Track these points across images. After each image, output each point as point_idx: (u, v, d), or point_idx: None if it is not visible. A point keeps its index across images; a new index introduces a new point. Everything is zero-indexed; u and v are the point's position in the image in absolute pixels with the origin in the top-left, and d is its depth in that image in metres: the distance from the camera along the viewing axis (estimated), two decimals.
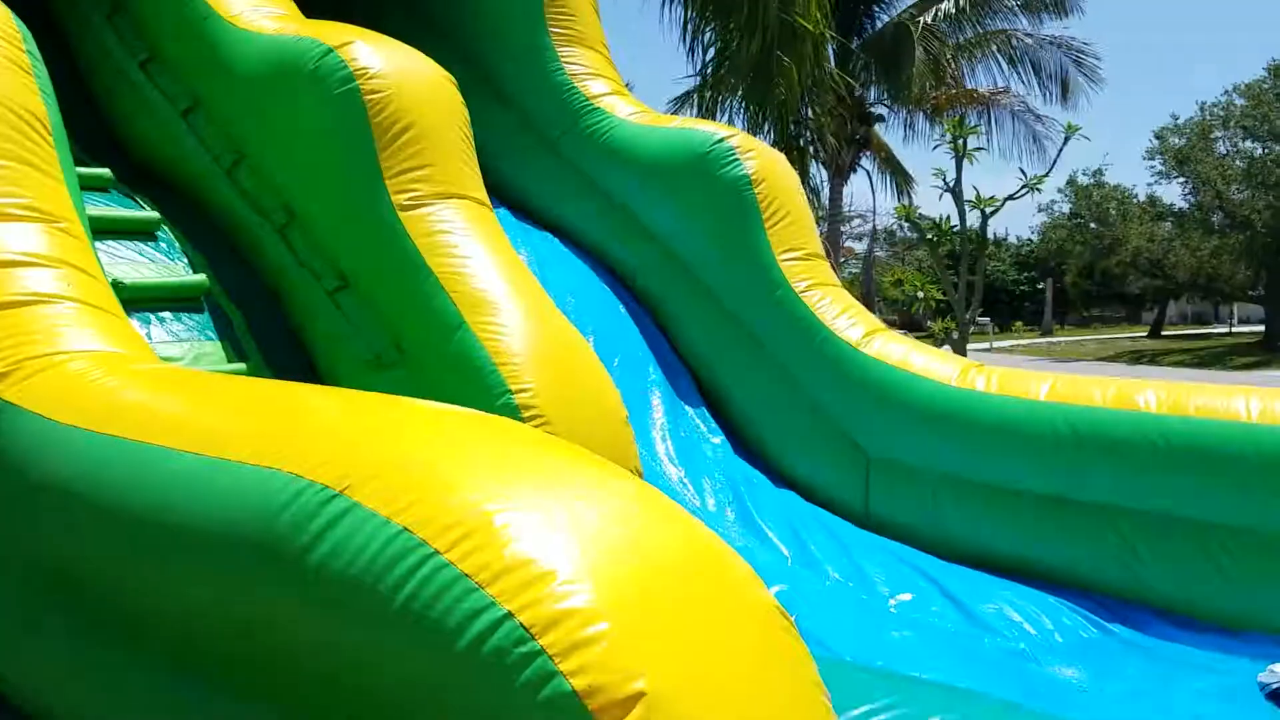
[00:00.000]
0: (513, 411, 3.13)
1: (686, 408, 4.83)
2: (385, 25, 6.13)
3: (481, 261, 3.46)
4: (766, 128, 9.30)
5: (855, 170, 22.83)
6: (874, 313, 21.61)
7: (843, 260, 29.59)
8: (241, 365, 3.49)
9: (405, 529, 1.49)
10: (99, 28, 4.32)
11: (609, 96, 5.59)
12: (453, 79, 3.88)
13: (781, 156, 5.38)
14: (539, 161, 5.68)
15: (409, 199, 3.51)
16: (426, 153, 3.60)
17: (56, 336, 2.39)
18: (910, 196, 21.25)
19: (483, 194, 3.77)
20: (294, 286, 3.72)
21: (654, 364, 4.90)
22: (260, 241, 3.82)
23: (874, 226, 23.29)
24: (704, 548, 1.58)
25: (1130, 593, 3.75)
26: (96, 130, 4.45)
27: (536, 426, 3.12)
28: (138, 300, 3.45)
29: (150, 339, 3.38)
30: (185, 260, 3.76)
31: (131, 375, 2.33)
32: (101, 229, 3.62)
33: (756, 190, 4.96)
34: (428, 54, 6.00)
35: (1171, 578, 3.66)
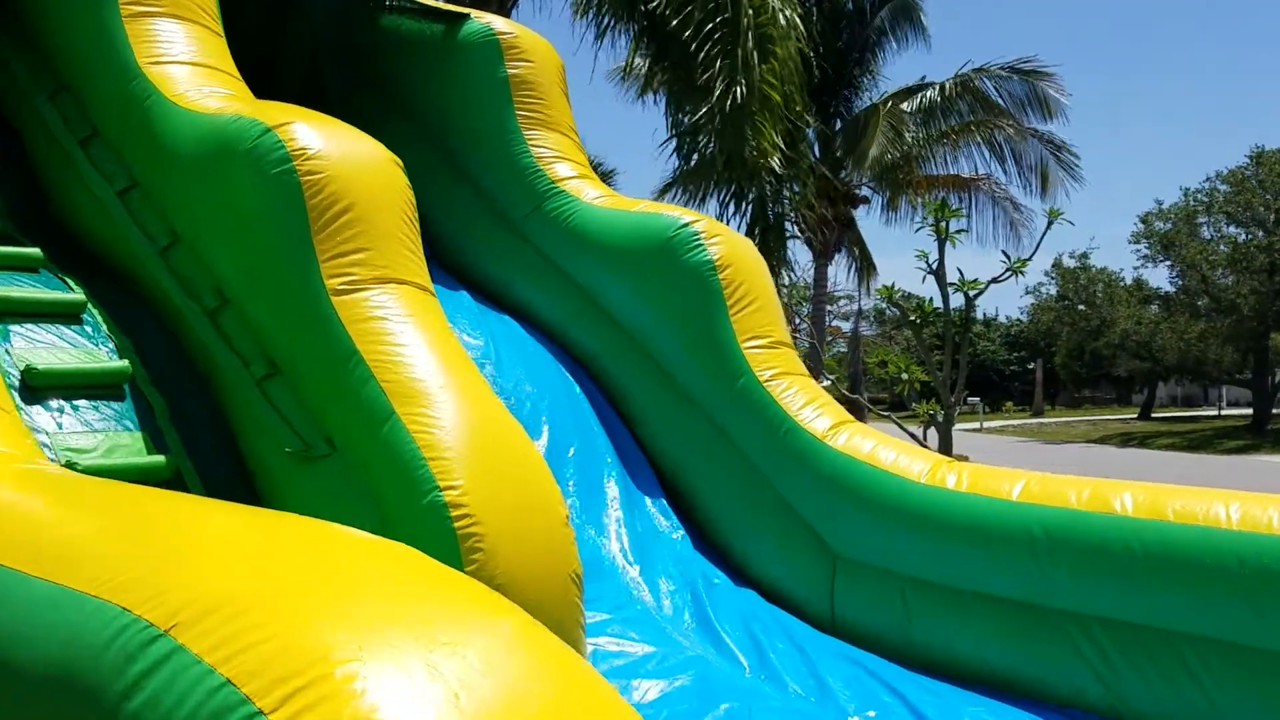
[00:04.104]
0: (440, 510, 2.92)
1: (646, 500, 4.61)
2: (355, 105, 6.09)
3: (417, 350, 3.28)
4: (744, 202, 9.22)
5: (840, 251, 22.93)
6: (862, 392, 21.45)
7: (829, 339, 29.56)
8: (160, 458, 3.28)
9: (229, 681, 1.28)
10: (41, 105, 4.20)
11: (575, 180, 5.49)
12: (398, 161, 3.74)
13: (748, 241, 5.26)
14: (503, 243, 5.56)
15: (344, 283, 3.34)
16: (364, 236, 3.44)
17: None
18: (868, 285, 21.39)
19: (425, 279, 3.60)
20: (223, 374, 3.54)
21: (613, 454, 4.70)
22: (191, 326, 3.64)
23: (859, 307, 23.28)
24: (584, 697, 1.38)
25: (1107, 709, 3.51)
26: (39, 208, 4.32)
27: (465, 526, 2.92)
28: (53, 387, 3.26)
29: (62, 429, 3.18)
30: (111, 345, 3.57)
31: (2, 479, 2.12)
32: (24, 311, 3.46)
33: (721, 276, 4.82)
34: (395, 134, 5.98)
35: (1150, 695, 3.42)
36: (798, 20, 7.67)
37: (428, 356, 3.28)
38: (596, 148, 33.89)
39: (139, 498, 2.06)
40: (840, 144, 20.19)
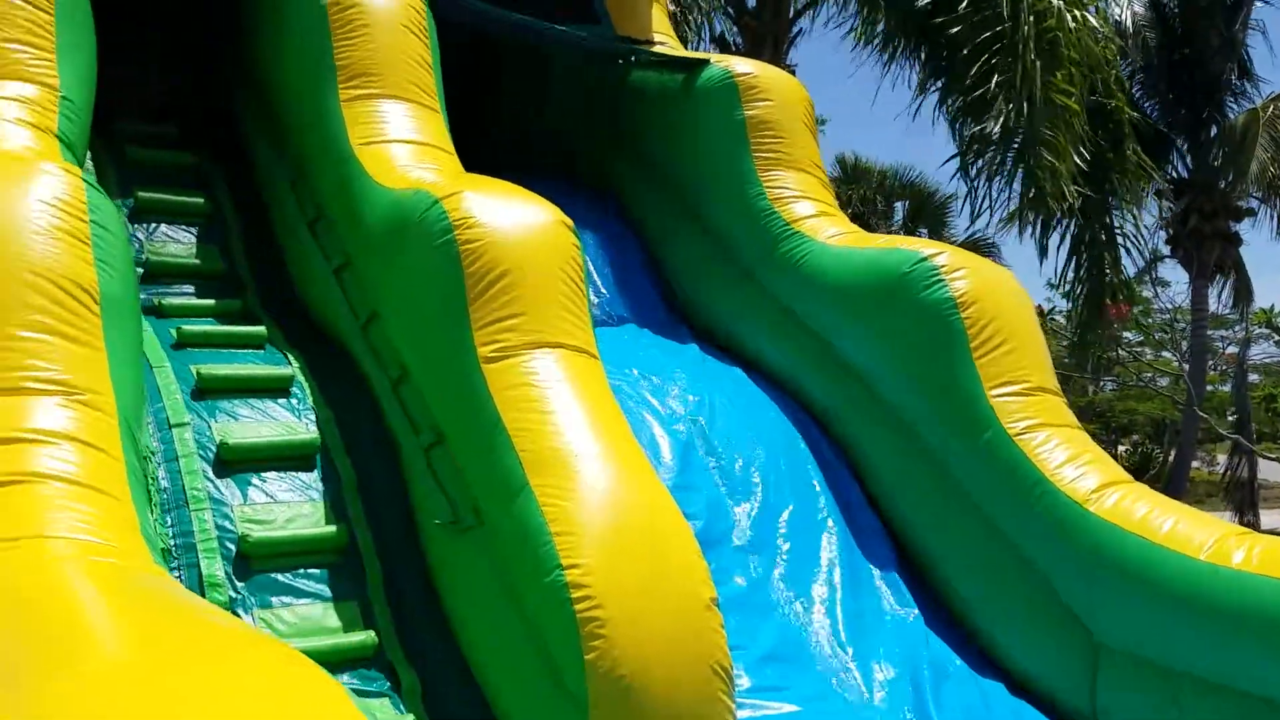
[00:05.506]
0: (559, 591, 2.73)
1: (874, 571, 4.12)
2: (604, 165, 6.15)
3: (563, 417, 3.12)
4: (1055, 226, 8.34)
5: (1225, 271, 20.14)
6: (1250, 432, 18.57)
7: (1223, 369, 25.93)
8: (333, 529, 3.36)
9: None
10: (284, 192, 4.56)
11: (813, 219, 5.13)
12: (568, 222, 3.63)
13: (1005, 273, 4.62)
14: (737, 291, 5.30)
15: (494, 350, 3.27)
16: (519, 301, 3.35)
17: (20, 520, 2.30)
18: (1243, 309, 18.45)
19: (586, 341, 3.45)
20: (402, 444, 3.58)
21: (838, 518, 4.26)
22: (381, 398, 3.74)
23: (1246, 333, 20.18)
24: None
25: None
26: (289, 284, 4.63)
27: (586, 609, 2.70)
28: (245, 460, 3.44)
29: (247, 500, 3.35)
30: (314, 416, 3.74)
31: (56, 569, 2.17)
32: (233, 387, 3.71)
33: (964, 314, 4.26)
34: (641, 191, 5.95)
35: None
36: (1089, 17, 6.70)
37: (574, 424, 3.12)
38: (938, 175, 32.54)
39: (179, 620, 1.98)
40: (1217, 152, 17.81)
